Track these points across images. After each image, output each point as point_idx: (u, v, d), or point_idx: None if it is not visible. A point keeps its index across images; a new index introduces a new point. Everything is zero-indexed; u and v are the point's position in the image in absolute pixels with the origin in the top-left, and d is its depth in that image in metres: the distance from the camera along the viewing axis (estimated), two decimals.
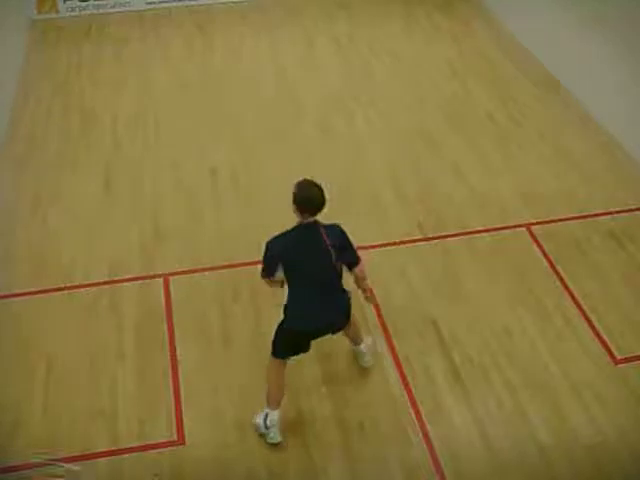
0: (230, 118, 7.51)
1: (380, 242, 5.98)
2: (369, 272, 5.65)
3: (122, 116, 7.55)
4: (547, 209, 6.40)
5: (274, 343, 4.42)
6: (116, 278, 5.63)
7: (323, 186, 3.93)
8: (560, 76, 8.20)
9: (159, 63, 8.52)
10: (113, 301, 5.45)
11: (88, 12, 9.51)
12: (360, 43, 8.97)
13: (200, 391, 4.80)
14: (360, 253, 4.47)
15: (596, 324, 5.32)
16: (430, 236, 6.08)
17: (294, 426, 4.59)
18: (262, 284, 4.22)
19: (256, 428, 4.50)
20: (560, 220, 6.28)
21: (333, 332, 4.51)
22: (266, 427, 4.42)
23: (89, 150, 7.05)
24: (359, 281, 4.47)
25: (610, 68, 7.24)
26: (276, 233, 4.22)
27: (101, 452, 4.43)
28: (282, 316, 4.33)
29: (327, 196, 4.14)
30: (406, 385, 4.85)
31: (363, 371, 4.94)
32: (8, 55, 8.11)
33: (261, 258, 4.24)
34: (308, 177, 4.16)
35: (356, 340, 4.88)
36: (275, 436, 4.43)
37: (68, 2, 9.41)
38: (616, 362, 5.05)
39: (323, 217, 4.23)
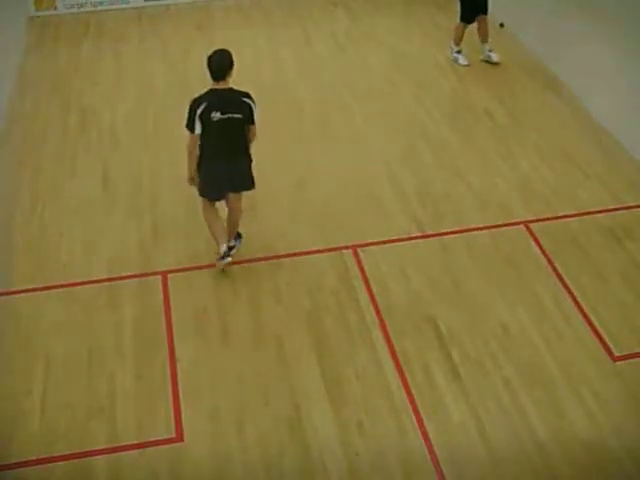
0: None
1: (378, 239, 5.97)
2: (369, 269, 5.70)
3: (120, 114, 7.55)
4: (545, 207, 6.39)
5: None
6: (115, 275, 5.63)
7: (322, 183, 3.92)
8: (560, 74, 8.19)
9: (158, 60, 8.51)
10: (112, 298, 5.44)
11: (86, 9, 9.50)
12: (359, 40, 8.97)
13: (198, 388, 4.81)
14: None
15: (594, 322, 5.32)
16: (428, 233, 6.08)
17: (292, 423, 4.59)
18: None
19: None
20: (559, 218, 6.27)
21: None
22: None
23: (87, 148, 7.05)
24: None
25: (610, 66, 7.23)
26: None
27: (100, 450, 4.42)
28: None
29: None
30: (405, 383, 4.85)
31: (362, 370, 4.94)
32: (6, 52, 8.09)
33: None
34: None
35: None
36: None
37: None
38: (614, 359, 5.05)
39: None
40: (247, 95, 5.18)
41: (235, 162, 5.32)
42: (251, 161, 5.43)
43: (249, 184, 5.50)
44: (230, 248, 5.61)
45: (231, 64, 5.08)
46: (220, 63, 5.04)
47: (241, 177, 5.43)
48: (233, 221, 5.65)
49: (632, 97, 6.94)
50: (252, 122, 5.20)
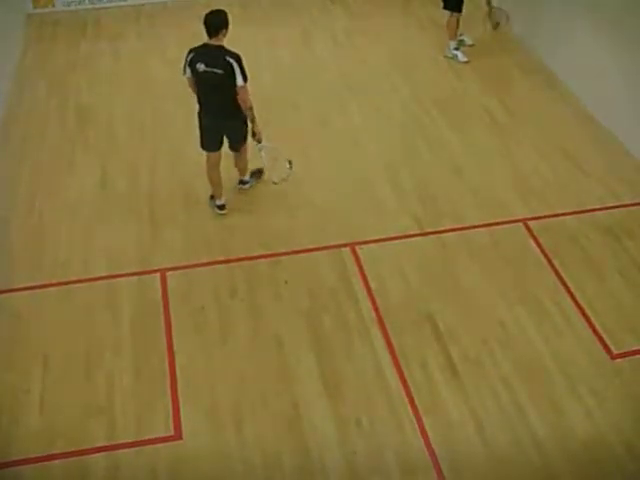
0: None
1: (377, 237, 5.98)
2: (367, 267, 5.70)
3: (119, 112, 7.53)
4: (544, 204, 6.40)
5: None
6: (113, 273, 5.63)
7: (321, 181, 3.93)
8: (559, 72, 8.19)
9: (156, 58, 8.49)
10: (110, 296, 5.44)
11: (84, 7, 9.48)
12: (357, 38, 8.95)
13: (197, 386, 4.81)
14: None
15: (593, 319, 5.33)
16: (427, 231, 6.08)
17: (291, 421, 4.60)
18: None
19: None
20: (557, 215, 6.28)
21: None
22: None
23: (85, 146, 7.03)
24: None
25: (610, 64, 7.22)
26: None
27: (98, 447, 4.43)
28: None
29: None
30: (403, 380, 4.86)
31: (360, 367, 4.94)
32: (4, 49, 8.07)
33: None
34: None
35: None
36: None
37: None
38: (612, 357, 5.06)
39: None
40: (233, 55, 5.47)
41: (223, 116, 5.72)
42: (244, 120, 5.75)
43: (239, 141, 5.99)
44: (243, 182, 6.38)
45: (225, 23, 5.46)
46: (214, 20, 5.44)
47: (230, 132, 5.90)
48: (239, 166, 6.29)
49: (632, 96, 6.94)
50: (235, 82, 5.46)
